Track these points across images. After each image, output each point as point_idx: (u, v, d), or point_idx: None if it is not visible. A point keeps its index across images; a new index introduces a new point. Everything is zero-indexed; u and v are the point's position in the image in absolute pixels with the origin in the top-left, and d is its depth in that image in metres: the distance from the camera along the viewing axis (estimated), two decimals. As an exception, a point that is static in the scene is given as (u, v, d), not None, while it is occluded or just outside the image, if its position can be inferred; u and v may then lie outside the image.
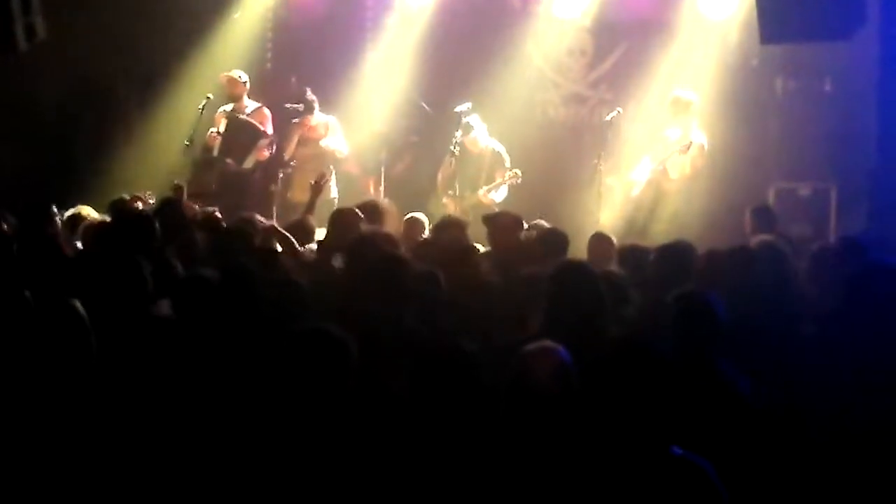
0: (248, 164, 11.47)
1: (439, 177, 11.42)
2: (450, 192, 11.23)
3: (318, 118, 11.50)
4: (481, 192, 11.17)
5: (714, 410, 4.42)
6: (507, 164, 11.22)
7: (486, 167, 11.28)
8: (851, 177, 11.03)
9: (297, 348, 3.90)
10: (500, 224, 7.75)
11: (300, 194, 10.54)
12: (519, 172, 11.12)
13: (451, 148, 11.10)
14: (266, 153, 11.45)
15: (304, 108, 11.41)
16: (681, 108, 10.82)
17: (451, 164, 11.14)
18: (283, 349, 3.94)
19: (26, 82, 11.65)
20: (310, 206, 8.72)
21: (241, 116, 11.48)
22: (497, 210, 11.03)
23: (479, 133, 11.24)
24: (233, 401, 4.41)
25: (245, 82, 11.57)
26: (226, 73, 11.60)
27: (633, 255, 6.84)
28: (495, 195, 11.20)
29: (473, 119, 11.19)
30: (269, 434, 3.79)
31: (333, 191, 11.32)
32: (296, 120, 11.49)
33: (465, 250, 6.81)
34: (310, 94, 11.46)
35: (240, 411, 4.20)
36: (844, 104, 11.39)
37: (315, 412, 3.77)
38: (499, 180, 11.15)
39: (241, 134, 11.46)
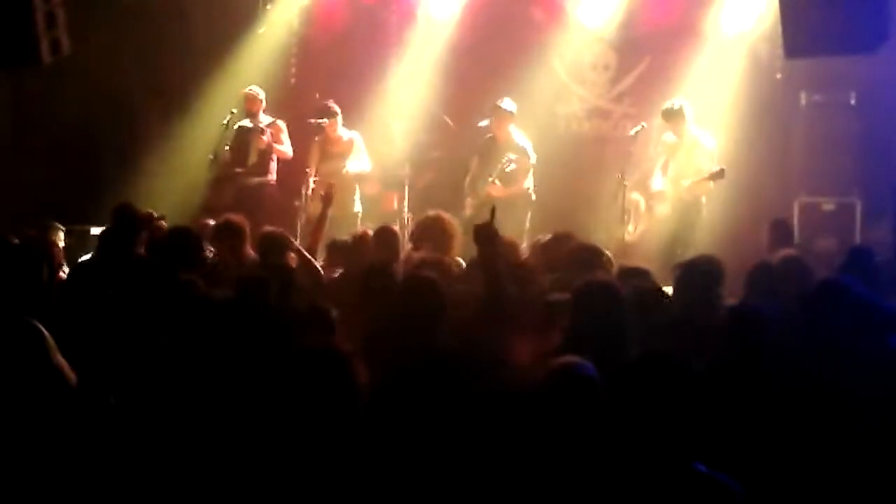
0: (252, 158, 11.53)
1: (467, 180, 11.26)
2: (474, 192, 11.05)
3: (341, 132, 11.49)
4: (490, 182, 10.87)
5: (752, 425, 4.41)
6: (532, 161, 11.01)
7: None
8: (876, 191, 10.98)
9: (300, 366, 3.81)
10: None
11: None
12: (513, 157, 10.89)
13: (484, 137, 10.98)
14: (264, 138, 11.47)
15: (327, 116, 11.37)
16: (674, 118, 10.73)
17: (476, 163, 11.04)
18: (288, 367, 3.85)
19: (50, 98, 11.73)
20: (321, 219, 8.52)
21: (242, 125, 11.57)
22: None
23: (509, 111, 11.04)
24: (240, 419, 4.38)
25: (262, 99, 11.64)
26: (244, 90, 11.67)
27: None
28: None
29: (507, 103, 11.05)
30: (276, 454, 3.73)
31: (357, 205, 11.33)
32: (318, 138, 11.49)
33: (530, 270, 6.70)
34: (333, 105, 11.42)
35: (247, 430, 4.16)
36: (869, 118, 11.34)
37: (322, 430, 3.70)
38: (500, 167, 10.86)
39: (239, 139, 11.57)
